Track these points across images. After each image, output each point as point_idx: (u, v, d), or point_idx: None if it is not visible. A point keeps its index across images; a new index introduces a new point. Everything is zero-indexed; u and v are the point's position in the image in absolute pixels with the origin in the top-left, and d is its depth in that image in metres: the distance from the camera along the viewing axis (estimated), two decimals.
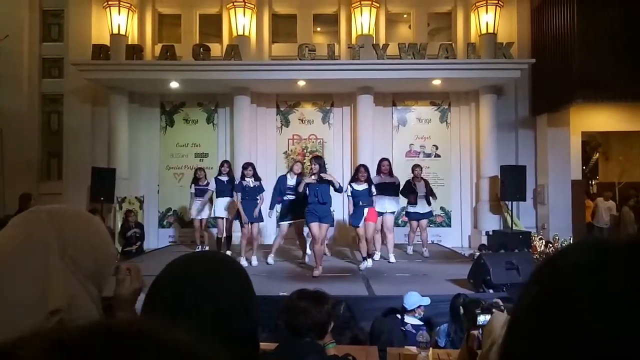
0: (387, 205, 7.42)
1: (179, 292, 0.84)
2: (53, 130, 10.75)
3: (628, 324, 0.35)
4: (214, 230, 8.57)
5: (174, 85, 9.71)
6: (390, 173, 7.58)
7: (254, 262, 7.17)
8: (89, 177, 9.23)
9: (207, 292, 0.85)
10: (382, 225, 7.45)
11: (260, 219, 7.29)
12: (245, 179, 7.18)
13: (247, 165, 7.30)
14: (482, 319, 2.21)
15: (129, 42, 9.91)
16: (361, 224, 6.80)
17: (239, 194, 7.16)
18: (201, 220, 8.50)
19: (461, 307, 3.26)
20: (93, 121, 10.33)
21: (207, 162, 10.27)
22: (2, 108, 10.37)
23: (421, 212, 7.94)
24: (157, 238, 10.36)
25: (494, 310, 2.27)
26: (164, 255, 8.02)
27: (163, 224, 10.56)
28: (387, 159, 7.78)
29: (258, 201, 7.23)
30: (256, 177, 7.28)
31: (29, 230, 0.82)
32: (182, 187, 10.31)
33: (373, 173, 7.43)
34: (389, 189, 7.43)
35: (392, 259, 7.36)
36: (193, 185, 8.42)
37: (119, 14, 9.89)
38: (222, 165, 8.10)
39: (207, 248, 8.36)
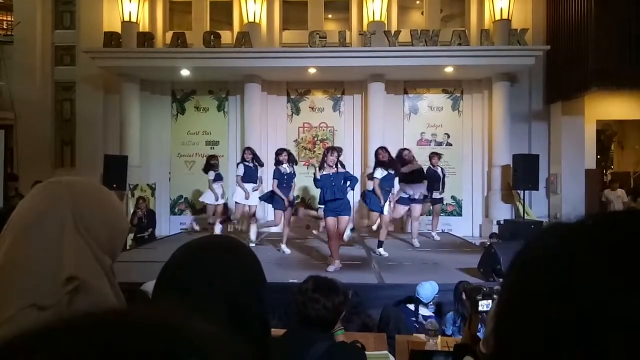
0: (417, 192, 7.39)
1: (189, 277, 0.84)
2: (65, 117, 10.84)
3: (606, 297, 0.35)
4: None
5: (185, 72, 9.72)
6: (413, 160, 7.57)
7: (286, 250, 7.06)
8: (101, 164, 9.31)
9: (218, 276, 0.84)
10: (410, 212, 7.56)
11: (291, 205, 7.10)
12: (283, 164, 7.02)
13: (282, 151, 7.13)
14: (484, 304, 2.22)
15: (140, 30, 9.93)
16: (386, 211, 6.68)
17: (276, 180, 7.01)
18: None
19: (463, 294, 3.27)
20: (105, 109, 10.40)
21: (218, 150, 10.32)
22: (15, 96, 10.48)
23: (433, 197, 8.08)
24: (168, 225, 10.46)
25: (495, 296, 2.27)
26: (175, 242, 8.05)
27: (174, 211, 10.65)
28: (407, 149, 7.76)
29: (292, 188, 7.06)
30: (291, 162, 7.07)
31: (47, 200, 0.85)
32: (193, 174, 10.37)
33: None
34: (420, 176, 7.42)
35: (417, 243, 7.58)
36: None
37: (130, 1, 9.89)
38: (244, 151, 8.02)
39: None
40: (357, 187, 7.15)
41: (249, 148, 7.98)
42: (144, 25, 10.22)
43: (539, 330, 0.38)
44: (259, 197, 7.55)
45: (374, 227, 6.87)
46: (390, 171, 6.62)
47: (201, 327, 0.37)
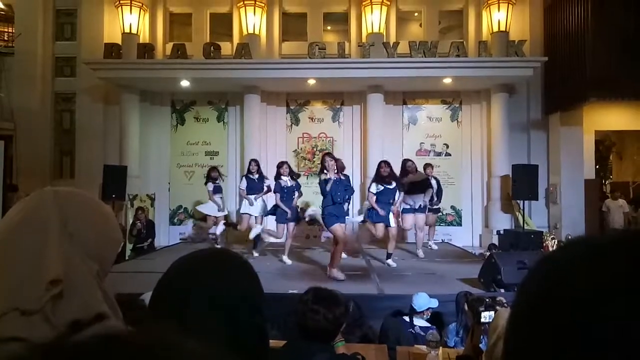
0: (418, 203, 7.45)
1: (186, 289, 0.84)
2: (65, 128, 10.85)
3: (624, 314, 0.36)
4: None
5: (185, 83, 9.76)
6: (416, 171, 7.59)
7: (287, 261, 7.07)
8: (100, 175, 9.30)
9: (214, 288, 0.85)
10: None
11: (292, 218, 7.11)
12: (282, 177, 7.07)
13: (282, 164, 7.18)
14: (486, 315, 2.21)
15: (141, 41, 9.99)
16: (393, 223, 6.72)
17: (278, 194, 7.08)
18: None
19: (465, 305, 3.25)
20: (105, 119, 10.42)
21: (218, 161, 10.33)
22: (15, 106, 10.51)
23: (430, 207, 8.07)
24: (167, 235, 10.43)
25: (497, 307, 2.26)
26: (174, 253, 8.01)
27: (174, 221, 10.62)
28: (410, 160, 7.81)
29: (294, 200, 7.09)
30: (292, 176, 7.13)
31: (31, 205, 0.85)
32: (192, 184, 10.37)
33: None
34: (422, 187, 7.45)
35: (421, 254, 7.58)
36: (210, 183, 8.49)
37: (131, 12, 9.96)
38: (250, 163, 8.01)
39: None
40: (357, 196, 7.16)
41: (254, 160, 8.01)
42: (144, 37, 10.28)
43: (566, 336, 0.39)
44: (265, 213, 7.61)
45: (379, 235, 6.82)
46: (388, 186, 6.63)
47: (194, 348, 0.37)
